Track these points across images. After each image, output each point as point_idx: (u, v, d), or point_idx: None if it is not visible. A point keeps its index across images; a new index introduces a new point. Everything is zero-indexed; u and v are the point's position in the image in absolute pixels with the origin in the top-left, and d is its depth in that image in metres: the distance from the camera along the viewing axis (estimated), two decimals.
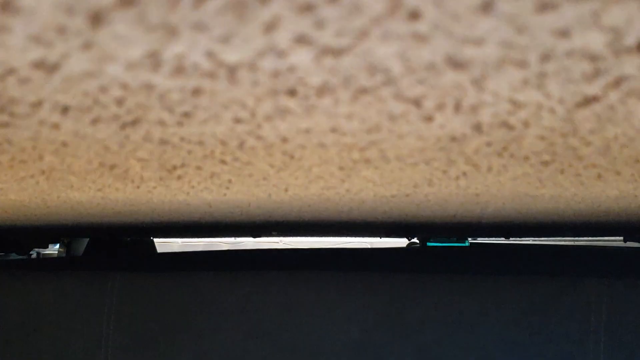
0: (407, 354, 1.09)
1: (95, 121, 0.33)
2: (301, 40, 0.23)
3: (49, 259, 1.91)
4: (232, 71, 0.26)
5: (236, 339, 1.13)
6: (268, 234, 1.67)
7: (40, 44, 0.23)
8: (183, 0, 0.20)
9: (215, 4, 0.20)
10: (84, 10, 0.20)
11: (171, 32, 0.22)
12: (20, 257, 1.84)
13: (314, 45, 0.23)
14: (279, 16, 0.21)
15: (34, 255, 2.44)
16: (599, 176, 0.49)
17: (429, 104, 0.30)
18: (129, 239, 1.92)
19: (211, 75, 0.26)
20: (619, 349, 1.04)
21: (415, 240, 1.99)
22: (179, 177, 0.51)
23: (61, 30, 0.22)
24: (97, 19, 0.21)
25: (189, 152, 0.41)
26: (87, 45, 0.23)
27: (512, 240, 1.94)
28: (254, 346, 1.13)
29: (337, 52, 0.24)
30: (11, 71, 0.25)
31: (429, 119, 0.33)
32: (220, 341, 1.14)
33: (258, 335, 1.12)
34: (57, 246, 2.19)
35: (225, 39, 0.23)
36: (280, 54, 0.24)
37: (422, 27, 0.22)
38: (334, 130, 0.35)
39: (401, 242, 2.12)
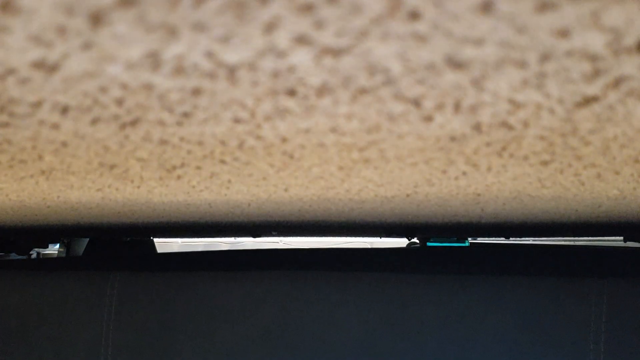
0: (408, 354, 1.09)
1: (95, 121, 0.33)
2: (301, 40, 0.23)
3: (49, 259, 1.92)
4: (232, 71, 0.26)
5: (236, 339, 1.13)
6: (268, 234, 1.67)
7: (40, 44, 0.23)
8: (183, 0, 0.20)
9: (215, 4, 0.20)
10: (84, 10, 0.20)
11: (171, 32, 0.22)
12: (20, 257, 1.84)
13: (314, 45, 0.23)
14: (279, 16, 0.21)
15: (34, 255, 2.44)
16: (599, 176, 0.49)
17: (428, 104, 0.30)
18: (128, 239, 1.92)
19: (211, 75, 0.26)
20: (619, 349, 1.04)
21: (415, 240, 1.99)
22: (179, 177, 0.51)
23: (61, 30, 0.22)
24: (97, 19, 0.21)
25: (189, 152, 0.41)
26: (87, 45, 0.23)
27: (512, 240, 1.94)
28: (253, 346, 1.13)
29: (336, 52, 0.24)
30: (11, 71, 0.25)
31: (428, 119, 0.33)
32: (220, 341, 1.14)
33: (258, 336, 1.13)
34: (57, 246, 2.19)
35: (225, 39, 0.23)
36: (280, 54, 0.24)
37: (421, 27, 0.22)
38: (333, 130, 0.35)
39: (401, 242, 2.13)
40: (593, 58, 0.24)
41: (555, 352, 1.06)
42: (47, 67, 0.25)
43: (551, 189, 0.56)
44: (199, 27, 0.22)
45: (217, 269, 1.21)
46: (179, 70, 0.26)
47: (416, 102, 0.30)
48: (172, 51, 0.24)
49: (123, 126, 0.34)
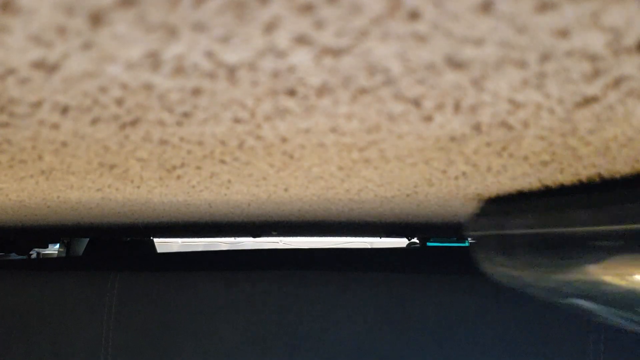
0: (407, 354, 1.09)
1: (94, 121, 0.33)
2: (301, 40, 0.23)
3: (49, 259, 1.92)
4: (231, 71, 0.26)
5: (235, 339, 1.13)
6: (268, 234, 1.67)
7: (40, 44, 0.23)
8: (183, 0, 0.20)
9: (215, 4, 0.20)
10: (84, 10, 0.20)
11: (171, 32, 0.22)
12: (20, 257, 1.84)
13: (314, 45, 0.24)
14: (279, 16, 0.21)
15: (34, 255, 2.44)
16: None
17: (428, 104, 0.30)
18: (128, 238, 1.92)
19: (211, 75, 0.26)
20: (620, 348, 1.04)
21: (415, 240, 1.99)
22: (179, 177, 0.51)
23: (61, 31, 0.22)
24: (97, 19, 0.21)
25: (189, 152, 0.41)
26: (86, 45, 0.23)
27: None
28: (253, 346, 1.13)
29: (336, 52, 0.24)
30: (11, 71, 0.26)
31: (428, 119, 0.33)
32: (220, 341, 1.14)
33: (258, 335, 1.13)
34: (57, 246, 2.19)
35: (225, 39, 0.23)
36: (280, 54, 0.24)
37: (421, 27, 0.22)
38: (333, 130, 0.35)
39: (401, 241, 2.12)
40: (593, 58, 0.24)
41: (556, 352, 1.06)
42: (47, 67, 0.25)
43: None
44: (199, 27, 0.22)
45: (217, 269, 1.21)
46: (179, 70, 0.26)
47: (416, 102, 0.30)
48: (172, 51, 0.24)
49: (123, 126, 0.34)
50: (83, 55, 0.24)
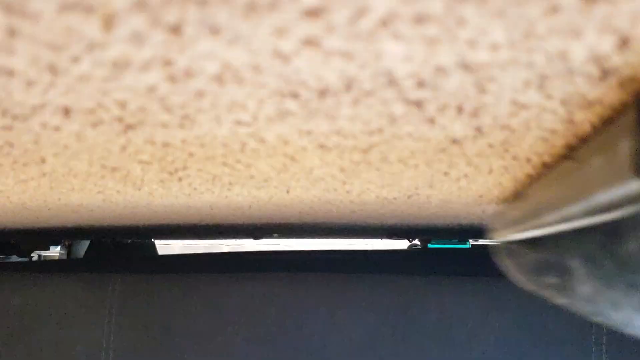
0: (409, 355, 1.09)
1: (97, 124, 0.33)
2: (307, 43, 0.23)
3: (50, 261, 1.91)
4: (236, 74, 0.26)
5: (238, 342, 1.13)
6: (269, 236, 1.67)
7: (49, 48, 0.23)
8: (191, 3, 0.20)
9: (225, 8, 0.20)
10: (96, 12, 0.20)
11: (178, 34, 0.22)
12: (22, 259, 1.83)
13: (320, 49, 0.24)
14: (287, 19, 0.21)
15: (35, 258, 2.44)
16: None
17: (431, 107, 0.30)
18: (129, 241, 1.92)
19: (215, 78, 0.26)
20: (621, 351, 1.04)
21: (416, 242, 1.98)
22: (180, 180, 0.51)
23: (70, 34, 0.22)
24: (108, 22, 0.21)
25: (191, 154, 0.41)
26: (94, 48, 0.23)
27: None
28: (255, 349, 1.13)
29: (341, 55, 0.24)
30: (14, 74, 0.25)
31: (431, 121, 0.33)
32: (222, 344, 1.14)
33: (260, 338, 1.12)
34: (58, 248, 2.19)
35: (232, 42, 0.23)
36: (286, 57, 0.24)
37: (430, 30, 0.22)
38: (336, 132, 0.35)
39: (402, 242, 2.12)
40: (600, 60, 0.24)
41: (558, 353, 1.06)
42: (54, 70, 0.25)
43: None
44: (207, 30, 0.22)
45: (219, 271, 1.20)
46: (185, 73, 0.26)
47: (418, 104, 0.30)
48: (179, 54, 0.24)
49: (125, 129, 0.34)
50: (90, 58, 0.24)
